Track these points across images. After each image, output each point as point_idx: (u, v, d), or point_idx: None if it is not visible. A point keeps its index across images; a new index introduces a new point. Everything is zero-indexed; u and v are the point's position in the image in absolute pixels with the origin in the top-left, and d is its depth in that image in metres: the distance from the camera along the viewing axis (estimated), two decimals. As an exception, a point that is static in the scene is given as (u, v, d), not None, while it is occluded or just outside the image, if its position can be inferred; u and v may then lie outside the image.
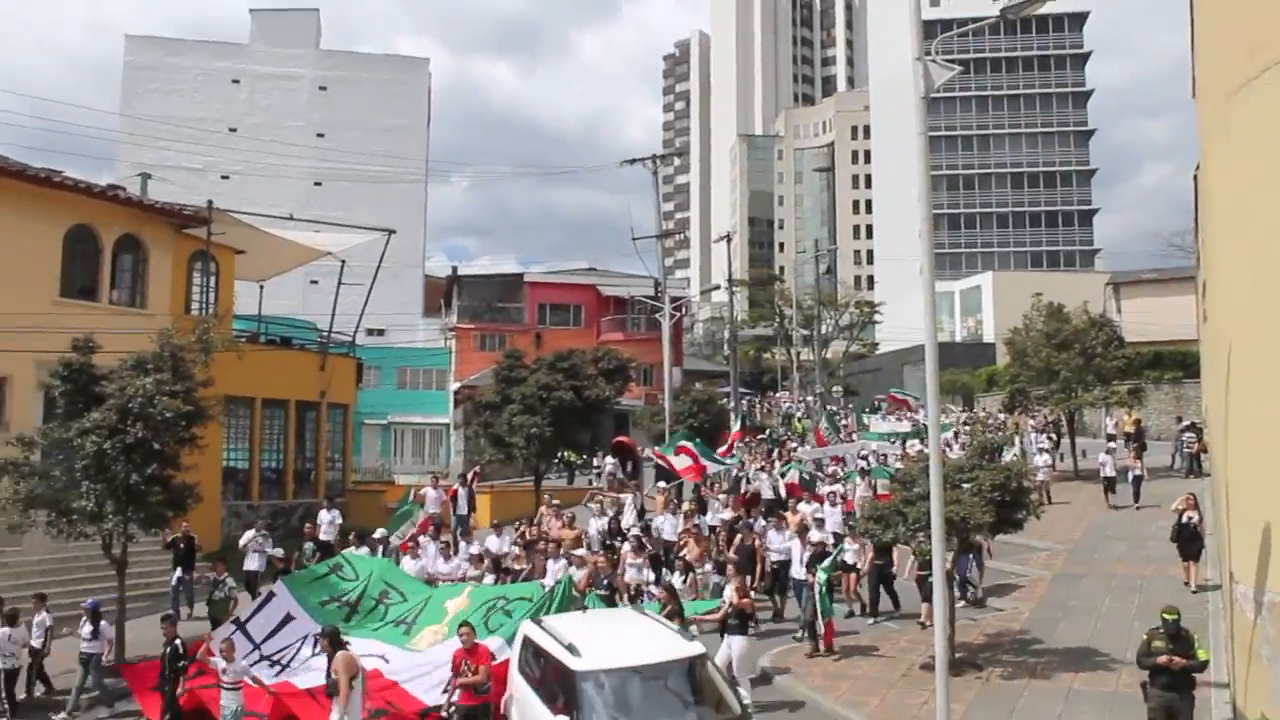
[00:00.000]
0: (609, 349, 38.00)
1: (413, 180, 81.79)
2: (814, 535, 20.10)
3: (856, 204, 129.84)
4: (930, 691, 13.46)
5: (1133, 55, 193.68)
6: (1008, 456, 19.96)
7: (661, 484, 27.93)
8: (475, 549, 21.68)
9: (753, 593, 18.59)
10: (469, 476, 29.47)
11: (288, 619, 15.58)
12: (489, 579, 19.29)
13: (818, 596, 17.12)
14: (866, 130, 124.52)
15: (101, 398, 18.83)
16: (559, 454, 31.43)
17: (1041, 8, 13.95)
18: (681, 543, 21.72)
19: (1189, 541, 19.85)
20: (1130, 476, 28.31)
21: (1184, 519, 19.90)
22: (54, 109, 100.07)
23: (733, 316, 58.24)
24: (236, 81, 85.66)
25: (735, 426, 39.09)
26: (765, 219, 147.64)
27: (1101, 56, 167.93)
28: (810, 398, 68.96)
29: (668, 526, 23.66)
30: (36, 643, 17.45)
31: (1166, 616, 11.85)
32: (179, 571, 22.76)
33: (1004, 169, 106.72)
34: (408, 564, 20.35)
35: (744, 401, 61.79)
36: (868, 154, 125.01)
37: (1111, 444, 32.42)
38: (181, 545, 22.75)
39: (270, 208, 37.27)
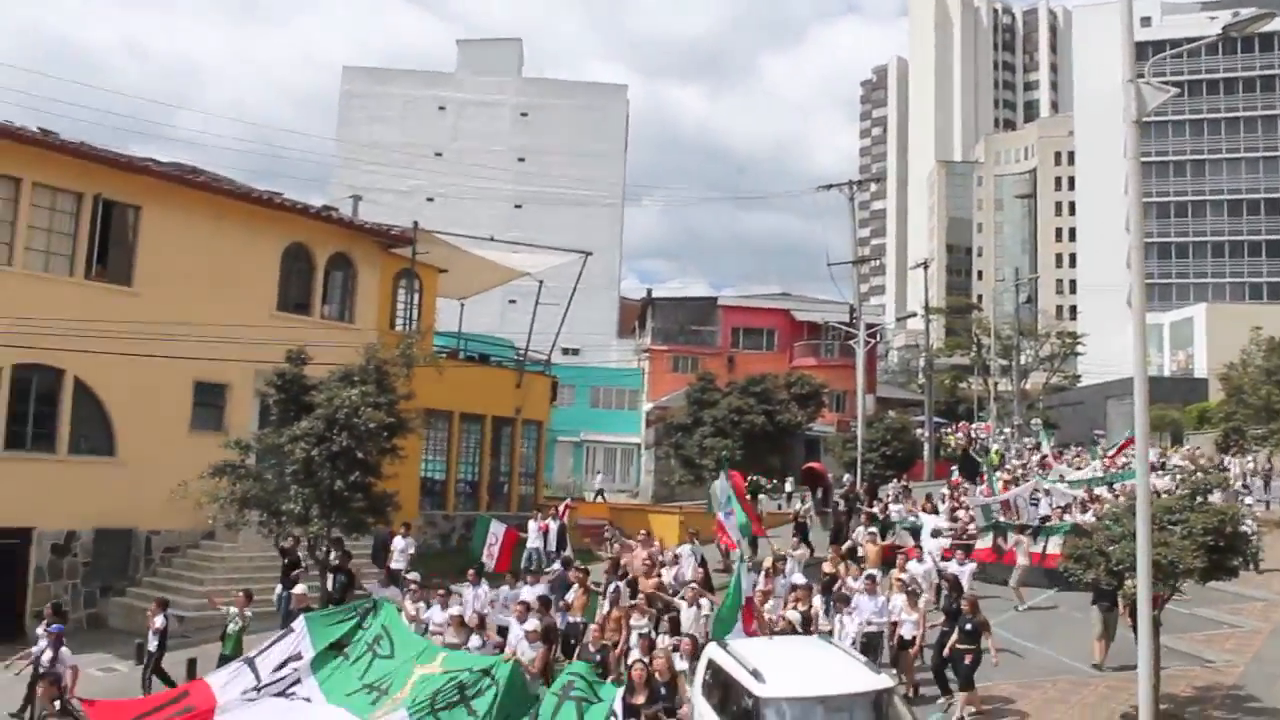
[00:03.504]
0: (802, 374, 37.66)
1: (609, 204, 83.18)
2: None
3: (1059, 231, 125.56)
4: (1133, 746, 12.70)
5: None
6: (1216, 498, 18.26)
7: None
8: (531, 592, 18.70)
9: None
10: (560, 509, 27.55)
11: (295, 657, 14.44)
12: (475, 641, 16.39)
13: None
14: (1071, 156, 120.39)
15: (311, 407, 19.71)
16: (748, 478, 31.18)
17: (1265, 25, 13.25)
18: None
19: None
20: None
21: None
22: (274, 136, 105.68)
23: (929, 344, 57.25)
24: (442, 108, 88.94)
25: (985, 468, 37.83)
26: (963, 246, 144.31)
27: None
28: (1008, 430, 66.95)
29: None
30: (152, 645, 17.89)
31: None
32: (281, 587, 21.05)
33: (1220, 195, 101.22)
34: (411, 610, 17.87)
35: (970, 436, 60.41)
36: (1071, 180, 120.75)
37: None
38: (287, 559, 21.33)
39: (472, 229, 38.41)
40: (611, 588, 18.37)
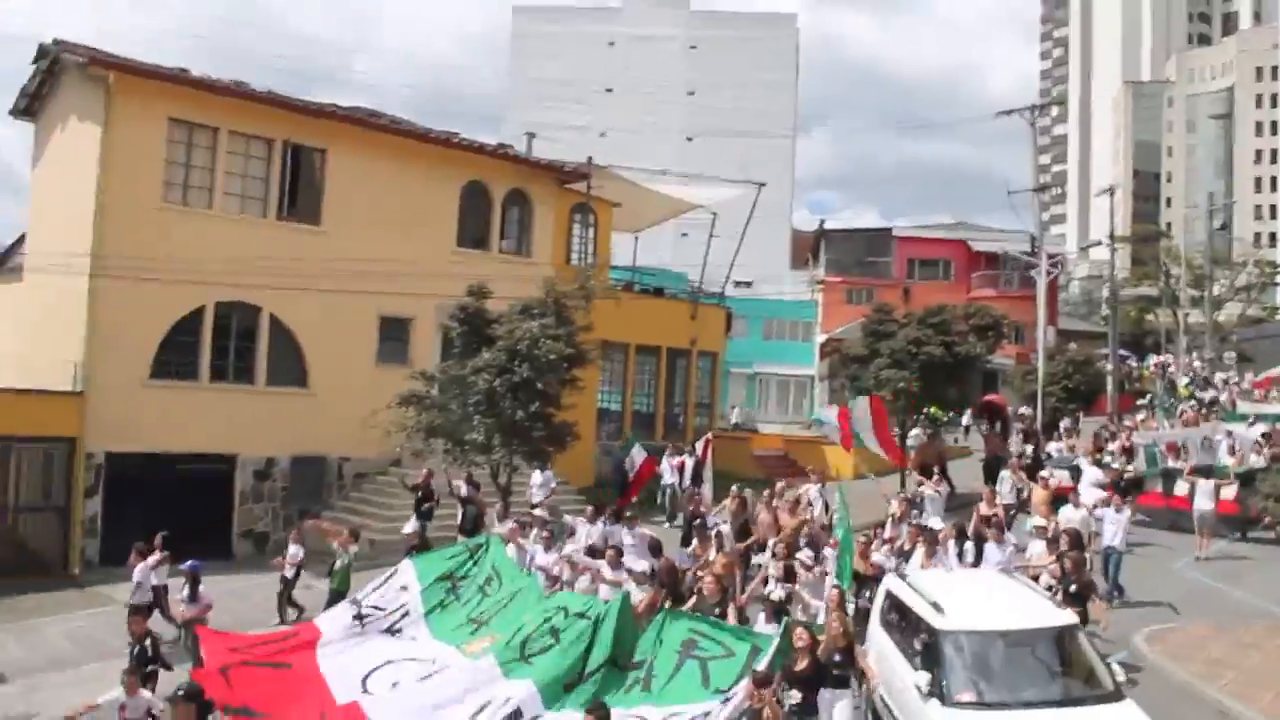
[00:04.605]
0: (982, 305, 36.69)
1: (780, 135, 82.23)
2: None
3: (1259, 153, 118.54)
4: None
5: None
6: None
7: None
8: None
9: None
10: (702, 445, 25.90)
11: (402, 589, 13.87)
12: (583, 582, 15.64)
13: None
14: (1274, 71, 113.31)
15: (492, 339, 20.26)
16: (924, 410, 30.67)
17: None
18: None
19: None
20: None
21: None
22: (448, 77, 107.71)
23: (1113, 274, 55.05)
24: (612, 44, 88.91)
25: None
26: (1151, 171, 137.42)
27: None
28: (1199, 363, 64.06)
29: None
30: (289, 572, 18.40)
31: None
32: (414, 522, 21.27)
33: None
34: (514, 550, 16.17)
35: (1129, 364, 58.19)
36: (1274, 97, 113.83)
37: None
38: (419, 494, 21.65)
39: (644, 163, 38.51)
40: (714, 530, 17.09)
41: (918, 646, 11.24)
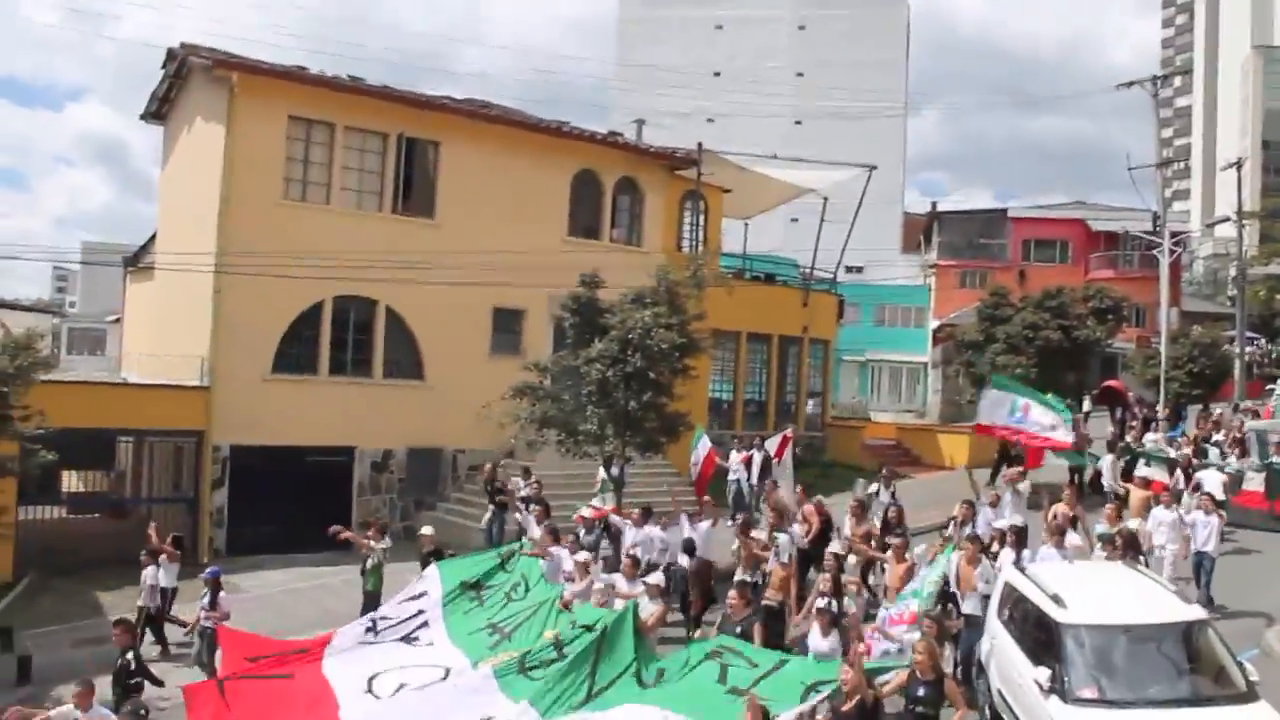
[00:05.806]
0: (1101, 287, 35.73)
1: (891, 115, 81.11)
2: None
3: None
4: None
5: None
6: None
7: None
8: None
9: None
10: (778, 441, 23.87)
11: (420, 594, 13.72)
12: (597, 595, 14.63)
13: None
14: None
15: (605, 329, 20.29)
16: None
17: None
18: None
19: None
20: None
21: None
22: (555, 65, 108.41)
23: (1241, 252, 53.14)
24: (719, 27, 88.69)
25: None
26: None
27: None
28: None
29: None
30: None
31: None
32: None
33: None
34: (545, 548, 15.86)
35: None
36: None
37: None
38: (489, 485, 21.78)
39: (753, 148, 38.25)
40: (781, 540, 15.99)
41: (1037, 641, 11.00)
